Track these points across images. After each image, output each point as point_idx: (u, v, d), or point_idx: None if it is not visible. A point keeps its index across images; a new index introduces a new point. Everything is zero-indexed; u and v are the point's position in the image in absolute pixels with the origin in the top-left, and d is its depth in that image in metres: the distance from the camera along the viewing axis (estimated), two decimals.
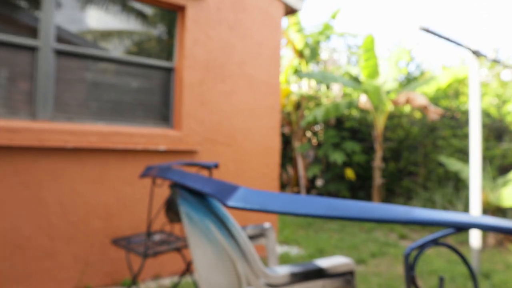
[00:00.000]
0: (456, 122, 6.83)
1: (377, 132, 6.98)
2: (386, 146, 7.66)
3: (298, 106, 8.87)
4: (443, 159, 5.57)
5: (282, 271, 1.38)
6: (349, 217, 0.94)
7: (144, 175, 1.72)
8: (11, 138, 2.45)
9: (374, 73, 6.65)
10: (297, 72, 7.98)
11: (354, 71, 8.46)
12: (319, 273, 1.46)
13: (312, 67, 9.10)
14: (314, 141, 9.17)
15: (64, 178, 2.70)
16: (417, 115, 7.42)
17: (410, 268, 0.81)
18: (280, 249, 4.20)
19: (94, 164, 2.85)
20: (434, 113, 5.97)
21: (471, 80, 3.67)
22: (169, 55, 3.41)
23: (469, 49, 3.50)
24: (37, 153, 2.58)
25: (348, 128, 8.03)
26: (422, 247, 0.83)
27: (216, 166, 2.44)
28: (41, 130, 2.55)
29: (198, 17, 3.39)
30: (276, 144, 4.03)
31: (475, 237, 3.58)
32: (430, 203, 6.51)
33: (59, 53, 2.80)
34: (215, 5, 3.52)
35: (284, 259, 3.79)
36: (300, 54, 8.39)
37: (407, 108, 7.53)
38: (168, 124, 3.36)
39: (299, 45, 8.28)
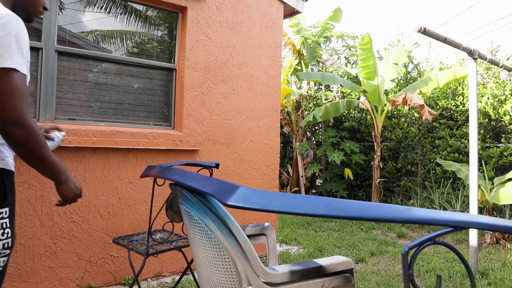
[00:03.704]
0: (454, 122, 6.86)
1: (376, 132, 7.00)
2: (385, 146, 7.69)
3: (298, 106, 8.89)
4: (440, 160, 5.59)
5: (282, 269, 1.40)
6: (348, 217, 0.96)
7: (144, 175, 1.74)
8: None
9: (372, 73, 6.67)
10: (297, 73, 8.01)
11: (353, 71, 8.49)
12: (319, 272, 1.48)
13: (311, 68, 9.12)
14: (314, 141, 9.19)
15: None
16: (416, 115, 7.46)
17: (408, 266, 0.83)
18: (280, 248, 4.23)
19: (96, 164, 2.87)
20: (428, 114, 6.01)
21: (469, 81, 3.70)
22: (170, 56, 3.43)
23: (467, 50, 3.52)
24: None
25: (347, 128, 8.06)
26: (420, 246, 0.85)
27: (216, 166, 2.46)
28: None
29: (198, 18, 3.42)
30: (276, 144, 4.06)
31: (472, 236, 3.61)
32: (429, 203, 6.55)
33: (62, 54, 2.82)
34: (215, 6, 3.54)
35: (284, 258, 3.82)
36: (300, 54, 8.42)
37: (405, 108, 7.56)
38: (169, 124, 3.39)
39: (299, 45, 8.30)
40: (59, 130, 1.93)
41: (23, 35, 1.31)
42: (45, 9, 1.64)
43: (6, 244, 1.40)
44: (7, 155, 1.44)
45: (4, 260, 1.42)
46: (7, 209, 1.40)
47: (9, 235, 1.41)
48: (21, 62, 1.28)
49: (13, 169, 1.48)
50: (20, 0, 1.48)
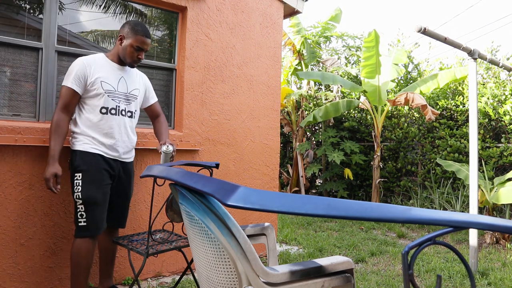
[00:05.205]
0: (454, 122, 6.86)
1: (376, 132, 7.00)
2: (385, 146, 7.69)
3: (298, 106, 8.89)
4: (440, 160, 5.60)
5: (282, 269, 1.40)
6: (348, 217, 0.96)
7: (144, 175, 1.74)
8: (15, 138, 2.47)
9: (373, 72, 6.66)
10: (296, 73, 8.00)
11: (353, 71, 8.49)
12: (319, 272, 1.48)
13: (311, 68, 9.12)
14: (314, 141, 9.19)
15: (67, 177, 2.71)
16: (416, 115, 7.46)
17: (408, 266, 0.83)
18: (280, 248, 4.23)
19: None
20: (431, 113, 6.00)
21: (469, 81, 3.70)
22: (170, 56, 3.43)
23: (467, 50, 3.53)
24: (40, 153, 2.60)
25: (347, 128, 8.06)
26: (420, 246, 0.85)
27: (216, 166, 2.46)
28: (45, 130, 2.57)
29: (198, 18, 3.42)
30: (276, 144, 4.06)
31: (472, 236, 3.61)
32: (429, 202, 6.55)
33: (62, 54, 2.82)
34: (215, 6, 3.54)
35: (284, 258, 3.82)
36: (300, 54, 8.41)
37: (405, 108, 7.56)
38: (169, 124, 3.39)
39: (299, 45, 8.30)
40: (166, 144, 2.53)
41: (77, 67, 2.38)
42: (139, 59, 2.47)
43: (78, 195, 2.33)
44: (86, 141, 2.37)
45: (82, 207, 2.32)
46: (80, 173, 2.33)
47: (79, 190, 2.32)
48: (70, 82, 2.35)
49: (90, 150, 2.37)
50: (120, 56, 2.50)
